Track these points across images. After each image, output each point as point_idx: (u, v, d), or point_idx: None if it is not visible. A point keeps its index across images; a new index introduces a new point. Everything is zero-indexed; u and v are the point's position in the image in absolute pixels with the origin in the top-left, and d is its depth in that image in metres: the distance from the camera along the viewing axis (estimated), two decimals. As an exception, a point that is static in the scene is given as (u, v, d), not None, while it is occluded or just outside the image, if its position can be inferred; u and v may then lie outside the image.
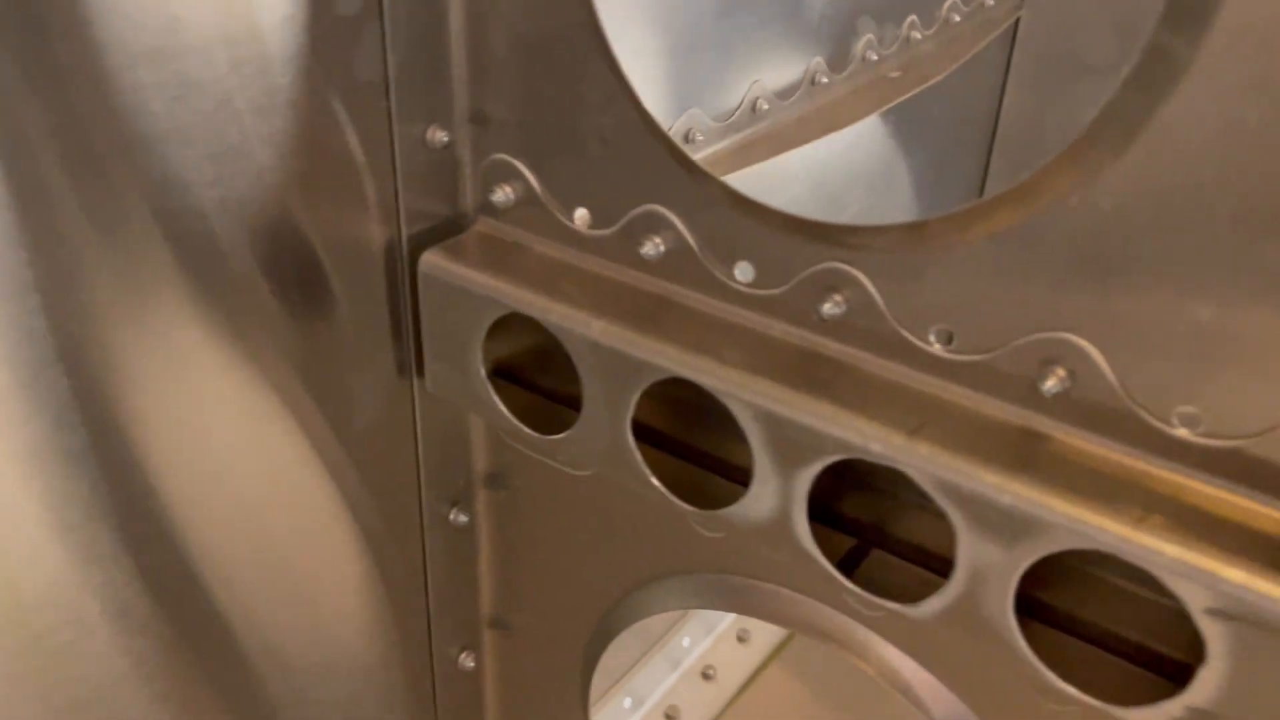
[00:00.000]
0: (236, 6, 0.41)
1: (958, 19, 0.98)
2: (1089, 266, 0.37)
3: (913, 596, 0.42)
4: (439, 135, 0.51)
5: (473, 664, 0.67)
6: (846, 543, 0.47)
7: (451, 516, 0.61)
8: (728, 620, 0.96)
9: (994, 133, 1.16)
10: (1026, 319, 0.39)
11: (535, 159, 0.51)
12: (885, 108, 0.89)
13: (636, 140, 0.47)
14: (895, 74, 0.89)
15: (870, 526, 0.47)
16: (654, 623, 0.93)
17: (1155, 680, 0.40)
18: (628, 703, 0.88)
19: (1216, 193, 0.34)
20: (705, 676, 0.94)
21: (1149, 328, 0.36)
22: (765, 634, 0.97)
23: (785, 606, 0.51)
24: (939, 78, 0.93)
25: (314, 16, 0.44)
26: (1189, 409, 0.37)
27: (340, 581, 0.59)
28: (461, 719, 0.68)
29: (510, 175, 0.52)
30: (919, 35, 0.92)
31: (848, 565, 0.46)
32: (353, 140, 0.49)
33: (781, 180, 0.82)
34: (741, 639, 0.97)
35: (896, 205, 1.04)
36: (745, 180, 0.77)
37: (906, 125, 1.00)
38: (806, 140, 0.80)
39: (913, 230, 0.40)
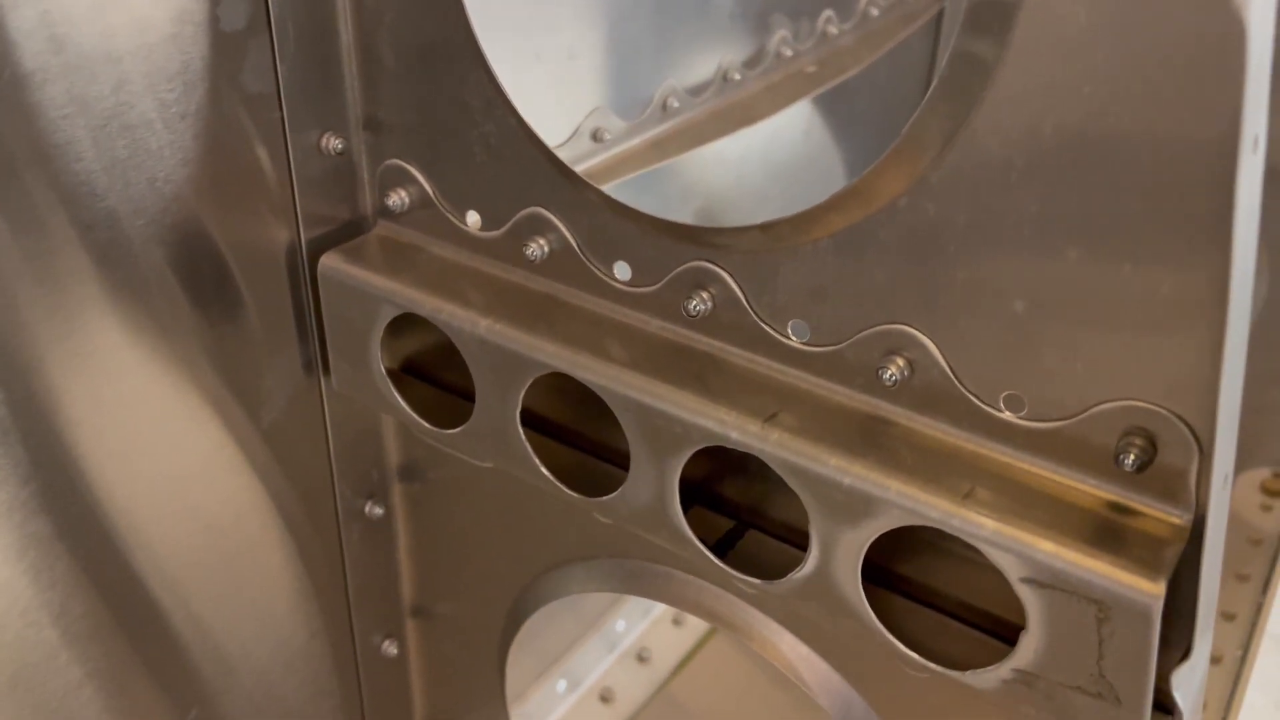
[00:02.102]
0: (118, 27, 0.43)
1: (876, 12, 1.00)
2: (920, 264, 0.39)
3: (783, 574, 0.45)
4: (334, 142, 0.53)
5: (396, 651, 0.69)
6: (725, 524, 0.50)
7: (367, 509, 0.64)
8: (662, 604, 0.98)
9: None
10: (869, 312, 0.41)
11: (427, 164, 0.53)
12: (800, 101, 0.91)
13: (518, 147, 0.49)
14: (812, 68, 0.92)
15: (747, 508, 0.50)
16: (590, 606, 0.95)
17: (996, 645, 0.43)
18: (562, 685, 0.90)
19: (1022, 197, 0.36)
20: (640, 659, 0.96)
21: (973, 320, 0.39)
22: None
23: (677, 587, 0.54)
24: (856, 70, 0.96)
25: (199, 32, 0.46)
26: (1013, 393, 0.39)
27: (264, 570, 0.61)
28: (387, 705, 0.71)
29: (405, 180, 0.54)
30: (835, 30, 0.94)
31: (726, 545, 0.49)
32: (249, 149, 0.51)
33: (699, 174, 0.85)
34: (676, 622, 0.99)
35: (822, 195, 1.07)
36: (659, 176, 0.79)
37: (832, 117, 1.03)
38: (720, 135, 0.82)
39: (766, 231, 0.43)
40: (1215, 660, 0.93)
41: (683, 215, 0.83)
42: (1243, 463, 1.13)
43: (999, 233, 0.37)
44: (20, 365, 0.45)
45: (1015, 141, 0.36)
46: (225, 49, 0.47)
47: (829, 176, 1.08)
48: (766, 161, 0.95)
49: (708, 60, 0.81)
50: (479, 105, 0.49)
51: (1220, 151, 0.31)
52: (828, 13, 0.93)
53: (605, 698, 0.94)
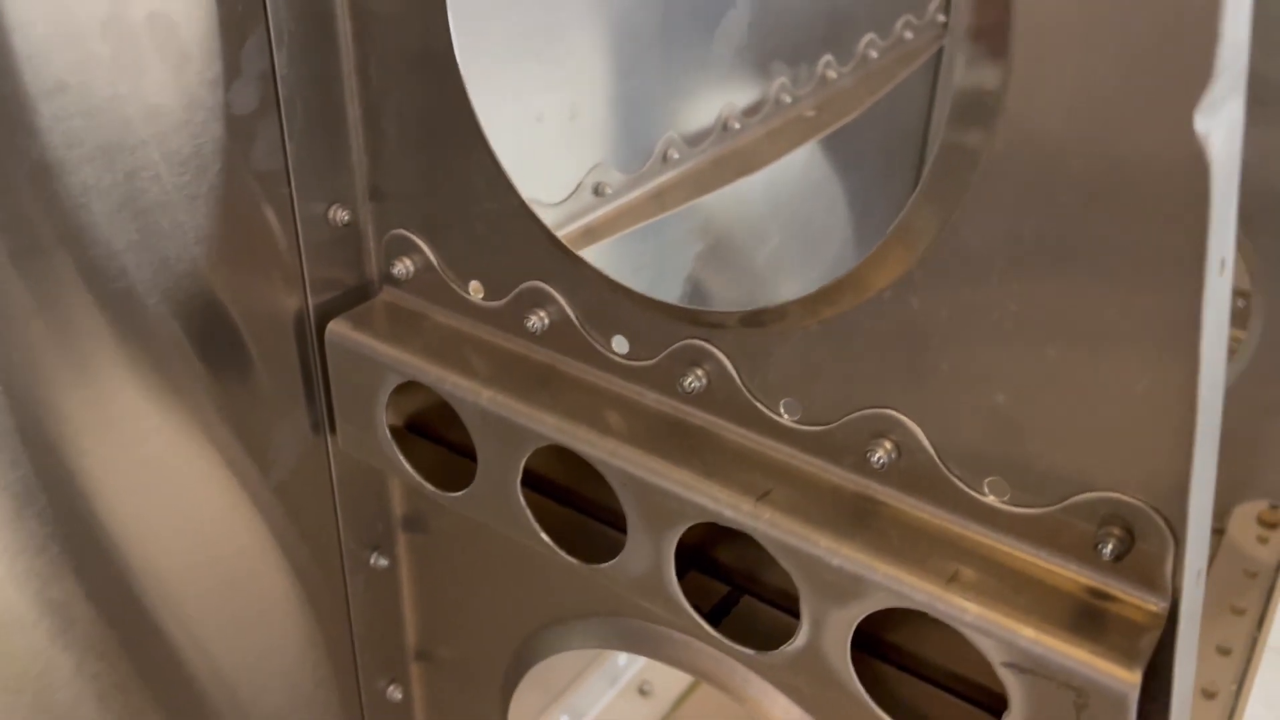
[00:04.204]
0: (133, 117, 0.45)
1: (875, 55, 1.01)
2: (906, 352, 0.41)
3: (777, 640, 0.46)
4: (341, 214, 0.55)
5: (400, 695, 0.71)
6: (720, 589, 0.51)
7: (372, 560, 0.65)
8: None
9: (922, 158, 1.20)
10: (857, 396, 0.43)
11: (431, 235, 0.54)
12: (801, 147, 0.93)
13: (518, 223, 0.50)
14: (811, 113, 0.93)
15: (742, 573, 0.51)
16: (592, 641, 0.97)
17: (982, 716, 0.44)
18: (565, 719, 0.92)
19: (1002, 295, 0.38)
20: (642, 692, 0.98)
21: (957, 408, 0.40)
22: (700, 649, 1.01)
23: (674, 649, 0.55)
24: (856, 114, 0.97)
25: (211, 118, 0.48)
26: (996, 479, 0.41)
27: (275, 619, 0.63)
28: (392, 747, 0.72)
29: (409, 249, 0.55)
30: (835, 74, 0.96)
31: (721, 610, 0.50)
32: (259, 222, 0.52)
33: (699, 218, 0.86)
34: (677, 654, 1.01)
35: (822, 234, 1.08)
36: (661, 222, 0.81)
37: (831, 156, 1.04)
38: (721, 184, 0.84)
39: (756, 315, 0.44)
40: (1210, 695, 0.94)
41: (690, 254, 0.84)
42: (1241, 494, 1.14)
43: (980, 327, 0.39)
44: (44, 433, 0.47)
45: (996, 241, 0.37)
46: (236, 131, 0.49)
47: (829, 213, 1.09)
48: (765, 201, 0.97)
49: (708, 110, 0.83)
50: (481, 182, 0.51)
51: (1188, 270, 0.32)
52: (827, 57, 0.95)
53: (607, 732, 0.95)
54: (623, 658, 0.97)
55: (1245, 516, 1.15)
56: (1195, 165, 0.30)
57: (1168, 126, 0.31)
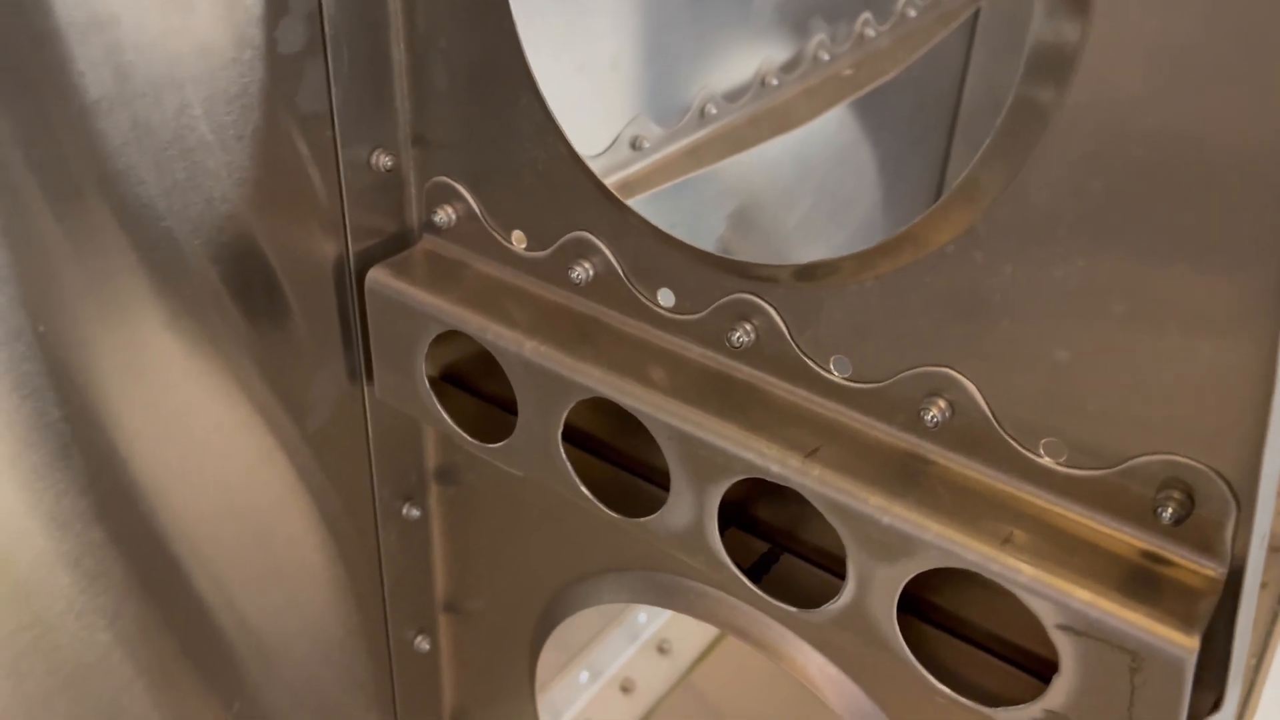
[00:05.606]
0: (183, 54, 0.44)
1: (913, 13, 1.00)
2: (965, 309, 0.40)
3: (817, 599, 0.46)
4: (384, 159, 0.54)
5: (428, 646, 0.71)
6: (760, 547, 0.51)
7: (404, 511, 0.65)
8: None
9: (954, 121, 1.19)
10: (912, 353, 0.42)
11: (474, 182, 0.54)
12: (837, 105, 0.91)
13: (566, 172, 0.50)
14: (848, 72, 0.92)
15: (782, 532, 0.51)
16: (613, 599, 0.97)
17: (1027, 679, 0.44)
18: (585, 676, 0.92)
19: (1069, 251, 0.37)
20: (661, 650, 0.98)
21: (1017, 366, 0.40)
22: (720, 609, 1.01)
23: (708, 604, 0.55)
24: (893, 74, 0.96)
25: (257, 57, 0.47)
26: (1053, 440, 0.40)
27: (305, 565, 0.63)
28: (418, 698, 0.72)
29: (451, 197, 0.54)
30: (873, 32, 0.94)
31: (761, 568, 0.50)
32: (303, 165, 0.52)
33: (733, 178, 0.85)
34: (697, 614, 1.01)
35: (854, 198, 1.07)
36: (700, 177, 0.80)
37: (865, 118, 1.03)
38: (757, 141, 0.83)
39: (809, 269, 0.43)
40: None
41: (720, 214, 0.83)
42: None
43: (1045, 284, 0.38)
44: (80, 380, 0.46)
45: (1064, 199, 0.36)
46: (282, 71, 0.48)
47: (861, 177, 1.08)
48: (797, 163, 0.96)
49: (746, 66, 0.81)
50: (529, 129, 0.50)
51: (1272, 245, 0.32)
52: (865, 15, 0.93)
53: (626, 688, 0.95)
54: (643, 615, 0.98)
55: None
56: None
57: (1258, 90, 0.30)
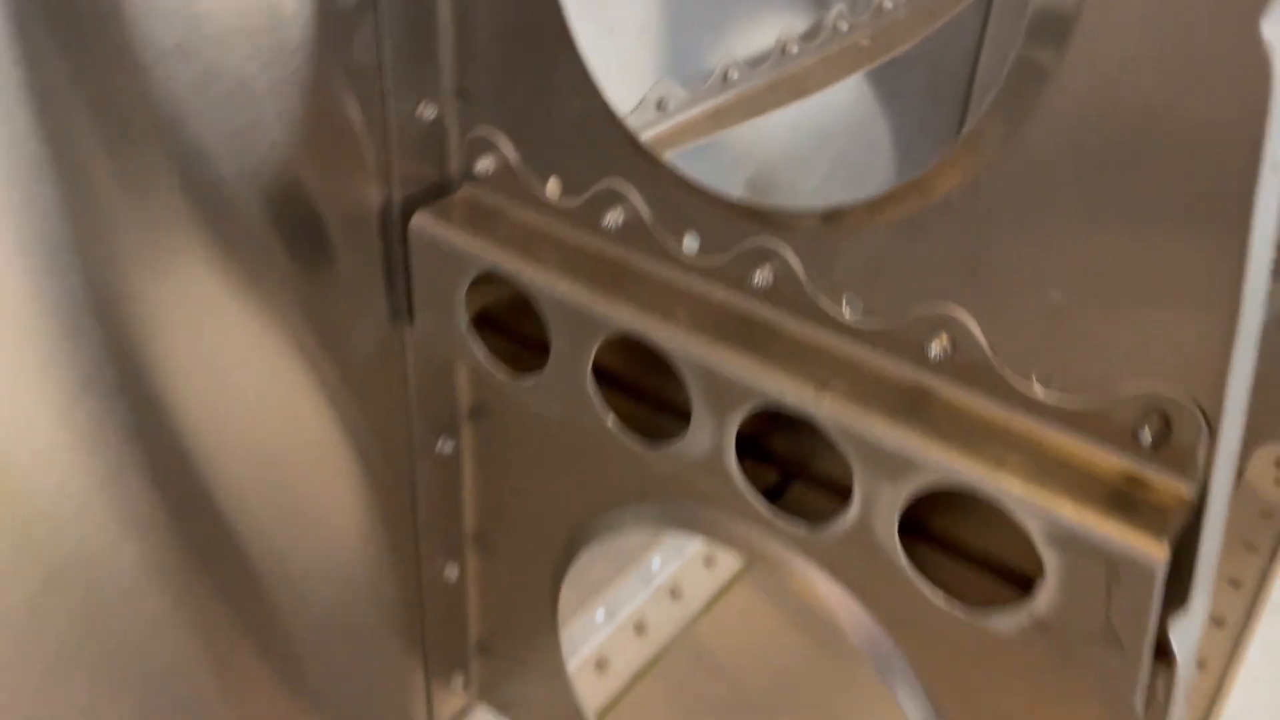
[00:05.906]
0: (250, 5, 0.48)
1: (931, -14, 1.02)
2: (969, 251, 0.44)
3: (826, 521, 0.50)
4: (428, 110, 0.58)
5: (456, 575, 0.75)
6: (773, 475, 0.55)
7: (439, 446, 0.69)
8: (696, 545, 1.04)
9: (969, 93, 1.21)
10: (919, 293, 0.46)
11: (513, 133, 0.57)
12: (854, 74, 0.94)
13: (600, 124, 0.53)
14: (865, 42, 0.95)
15: (793, 461, 0.55)
16: (628, 545, 1.01)
17: (1013, 594, 0.48)
18: (601, 615, 0.97)
19: (1068, 194, 0.40)
20: (673, 595, 1.03)
21: (1014, 304, 0.43)
22: (730, 559, 1.06)
23: (726, 528, 0.59)
24: (909, 45, 0.99)
25: (319, 9, 0.51)
26: (1046, 372, 0.44)
27: (338, 499, 0.67)
28: (445, 626, 0.77)
29: (491, 147, 0.58)
30: (891, 4, 0.97)
31: (774, 494, 0.54)
32: (353, 115, 0.55)
33: (751, 143, 0.89)
34: (708, 563, 1.05)
35: (870, 165, 1.10)
36: (718, 142, 0.83)
37: (881, 88, 1.06)
38: (776, 106, 0.86)
39: (828, 215, 0.47)
40: (1219, 623, 0.98)
41: (736, 179, 0.87)
42: (1258, 438, 1.17)
43: (1043, 225, 0.42)
44: (124, 318, 0.49)
45: (1062, 152, 0.40)
46: (337, 25, 0.52)
47: (877, 144, 1.11)
48: (815, 130, 0.99)
49: (767, 34, 0.85)
50: (566, 84, 0.54)
51: (1244, 169, 0.35)
52: (884, -14, 0.96)
53: (639, 629, 1.00)
54: (656, 561, 1.02)
55: (1264, 460, 1.18)
56: (1260, 71, 0.33)
57: (1234, 34, 0.33)
